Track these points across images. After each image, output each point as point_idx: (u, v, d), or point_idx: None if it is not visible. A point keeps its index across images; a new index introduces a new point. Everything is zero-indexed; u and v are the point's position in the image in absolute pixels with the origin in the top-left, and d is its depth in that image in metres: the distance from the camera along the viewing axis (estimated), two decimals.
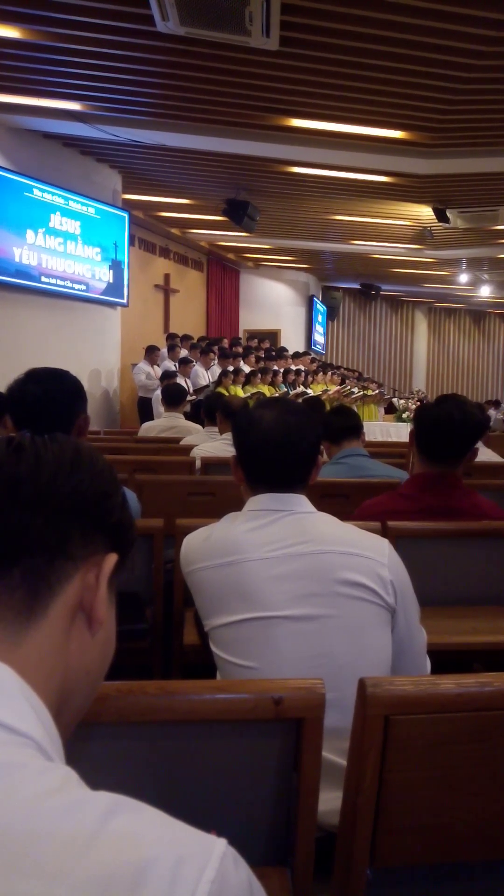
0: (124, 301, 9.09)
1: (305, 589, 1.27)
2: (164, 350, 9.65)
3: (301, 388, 10.81)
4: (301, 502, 1.38)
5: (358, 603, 1.28)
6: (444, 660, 1.38)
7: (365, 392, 12.06)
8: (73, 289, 8.09)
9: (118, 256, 8.89)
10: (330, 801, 1.10)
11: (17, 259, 7.26)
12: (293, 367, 11.59)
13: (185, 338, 10.32)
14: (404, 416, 9.89)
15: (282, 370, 11.07)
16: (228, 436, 3.89)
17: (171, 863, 0.45)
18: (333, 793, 1.09)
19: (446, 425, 2.02)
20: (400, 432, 9.65)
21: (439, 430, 2.03)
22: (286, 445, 1.37)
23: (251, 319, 15.21)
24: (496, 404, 14.61)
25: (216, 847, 0.47)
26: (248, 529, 1.34)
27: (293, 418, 1.40)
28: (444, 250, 11.98)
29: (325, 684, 0.96)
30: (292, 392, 10.40)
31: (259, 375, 9.92)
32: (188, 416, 5.62)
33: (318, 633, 1.26)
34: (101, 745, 0.93)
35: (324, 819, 1.11)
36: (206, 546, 1.36)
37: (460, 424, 2.02)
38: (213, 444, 3.96)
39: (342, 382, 12.66)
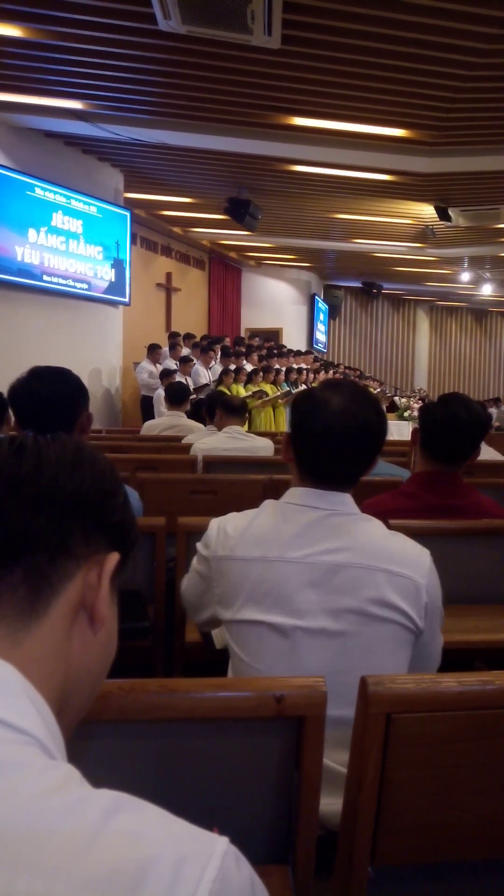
0: (126, 300, 9.09)
1: (337, 603, 1.21)
2: (166, 349, 9.65)
3: (303, 387, 10.80)
4: (346, 502, 1.29)
5: (387, 624, 1.22)
6: (446, 658, 1.38)
7: None
8: (74, 288, 8.10)
9: (120, 255, 8.89)
10: (336, 804, 1.09)
11: (19, 258, 7.26)
12: (295, 366, 11.58)
13: (188, 336, 10.31)
14: (406, 414, 9.88)
15: (283, 369, 11.07)
16: (228, 430, 3.90)
17: (172, 862, 0.45)
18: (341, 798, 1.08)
19: (454, 426, 2.00)
20: (402, 431, 9.64)
21: (447, 430, 2.01)
22: (353, 438, 1.25)
23: (253, 318, 15.21)
24: (496, 402, 14.60)
25: (218, 846, 0.47)
26: (289, 526, 1.26)
27: (363, 407, 1.27)
28: (446, 249, 11.97)
29: (340, 702, 0.95)
30: (294, 391, 10.40)
31: (261, 374, 9.92)
32: (188, 415, 5.62)
33: (340, 650, 1.20)
34: (103, 744, 0.93)
35: (327, 819, 1.11)
36: (244, 537, 1.27)
37: (468, 425, 2.01)
38: (211, 438, 3.96)
39: None
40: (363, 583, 1.21)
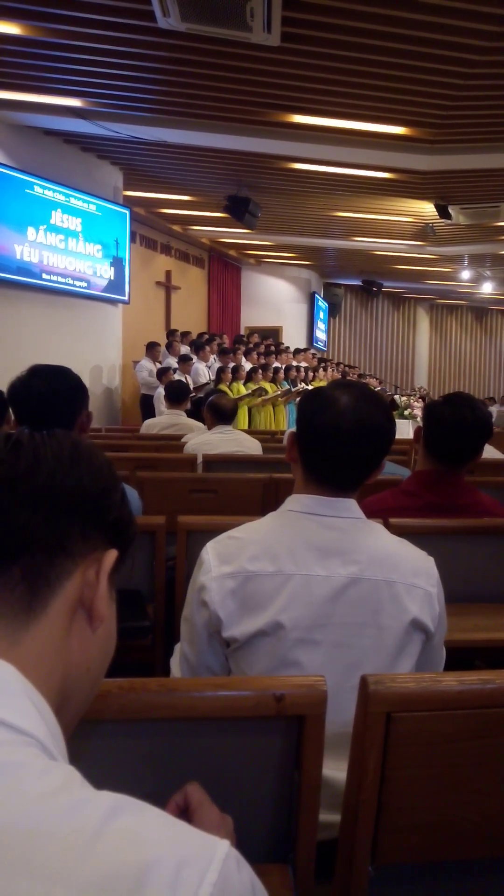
0: (125, 298, 9.09)
1: (356, 616, 1.19)
2: (165, 347, 9.64)
3: (302, 385, 10.80)
4: (352, 508, 1.25)
5: (406, 636, 1.21)
6: (446, 657, 1.38)
7: None
8: (74, 286, 8.09)
9: (119, 253, 8.88)
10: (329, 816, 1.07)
11: (18, 256, 7.26)
12: (294, 364, 11.58)
13: (184, 335, 10.30)
14: (406, 413, 9.86)
15: (283, 367, 11.07)
16: (217, 429, 3.95)
17: (172, 865, 0.44)
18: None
19: (460, 429, 1.98)
20: (402, 429, 9.62)
21: (453, 433, 1.99)
22: (360, 438, 1.22)
23: (253, 316, 15.20)
24: (493, 401, 14.61)
25: (218, 849, 0.47)
26: (300, 539, 1.22)
27: (372, 408, 1.24)
28: (446, 247, 11.96)
29: (348, 718, 0.94)
30: (294, 389, 10.40)
31: (260, 372, 9.91)
32: (189, 414, 5.62)
33: (357, 662, 1.18)
34: (103, 743, 0.93)
35: (328, 830, 1.09)
36: (255, 552, 1.21)
37: (473, 427, 1.99)
38: (202, 436, 4.00)
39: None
40: (383, 596, 1.20)
